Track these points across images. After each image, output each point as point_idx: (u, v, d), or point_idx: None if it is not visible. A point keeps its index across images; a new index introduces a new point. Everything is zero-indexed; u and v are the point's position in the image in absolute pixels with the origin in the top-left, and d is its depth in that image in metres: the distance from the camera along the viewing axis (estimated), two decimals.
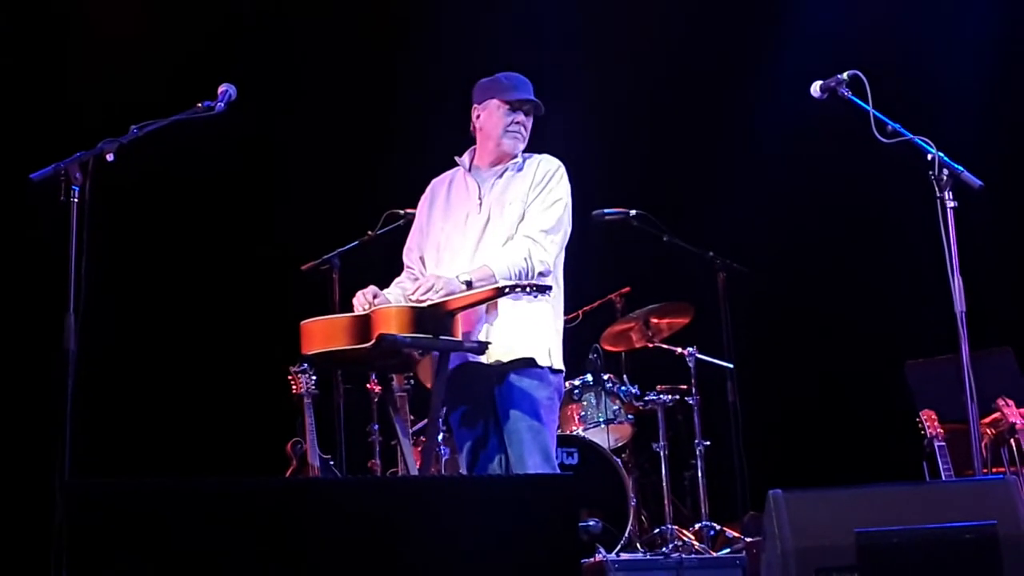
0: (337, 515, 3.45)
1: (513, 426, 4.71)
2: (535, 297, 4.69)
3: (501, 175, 4.94)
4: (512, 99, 4.93)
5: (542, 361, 4.77)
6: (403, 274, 5.04)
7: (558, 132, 5.49)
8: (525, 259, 4.70)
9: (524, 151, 5.00)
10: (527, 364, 4.76)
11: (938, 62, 8.16)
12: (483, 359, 4.72)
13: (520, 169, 4.93)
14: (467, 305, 4.59)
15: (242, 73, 5.28)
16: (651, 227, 7.12)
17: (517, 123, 4.93)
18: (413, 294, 4.64)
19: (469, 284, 4.61)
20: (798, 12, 8.42)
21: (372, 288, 4.78)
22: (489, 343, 4.66)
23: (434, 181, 5.14)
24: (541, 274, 4.73)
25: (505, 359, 4.74)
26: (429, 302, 4.55)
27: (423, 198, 5.14)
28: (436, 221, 5.00)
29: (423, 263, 5.01)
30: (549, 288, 4.65)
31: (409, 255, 5.07)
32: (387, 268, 5.15)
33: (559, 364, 4.87)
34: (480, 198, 4.92)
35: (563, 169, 4.95)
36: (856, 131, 4.97)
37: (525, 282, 4.59)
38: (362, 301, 4.70)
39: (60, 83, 7.72)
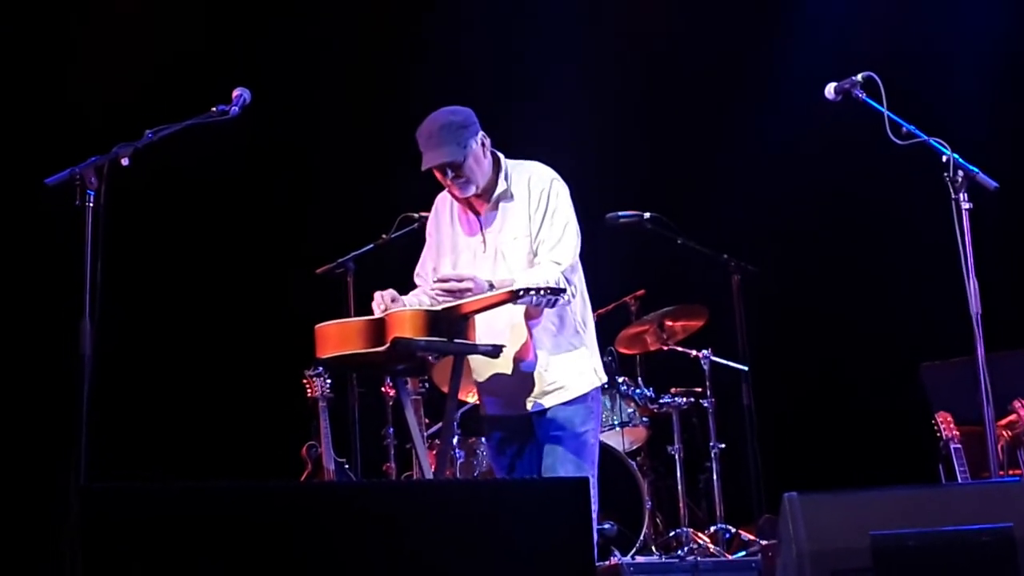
0: (352, 519, 3.46)
1: (550, 448, 4.73)
2: (550, 302, 4.60)
3: (496, 207, 4.81)
4: (425, 169, 4.75)
5: (591, 386, 4.80)
6: (418, 290, 4.95)
7: (569, 135, 5.47)
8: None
9: (512, 156, 4.86)
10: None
11: (948, 63, 8.12)
12: (526, 408, 4.74)
13: (511, 198, 4.79)
14: (481, 309, 4.55)
15: (257, 77, 5.28)
16: (665, 229, 7.10)
17: (448, 184, 4.78)
18: (448, 280, 4.58)
19: (491, 286, 4.58)
20: (807, 11, 8.40)
21: (391, 291, 4.73)
22: (503, 346, 4.63)
23: (437, 200, 5.01)
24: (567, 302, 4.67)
25: (548, 404, 4.75)
26: (444, 305, 4.54)
27: (430, 220, 5.03)
28: (445, 260, 4.89)
29: None
30: (563, 291, 4.56)
31: (422, 279, 4.96)
32: (402, 271, 5.13)
33: (603, 376, 4.88)
34: (482, 233, 4.82)
35: (557, 180, 4.80)
36: (870, 132, 4.95)
37: (538, 286, 4.46)
38: (379, 302, 4.68)
39: (74, 88, 7.73)
